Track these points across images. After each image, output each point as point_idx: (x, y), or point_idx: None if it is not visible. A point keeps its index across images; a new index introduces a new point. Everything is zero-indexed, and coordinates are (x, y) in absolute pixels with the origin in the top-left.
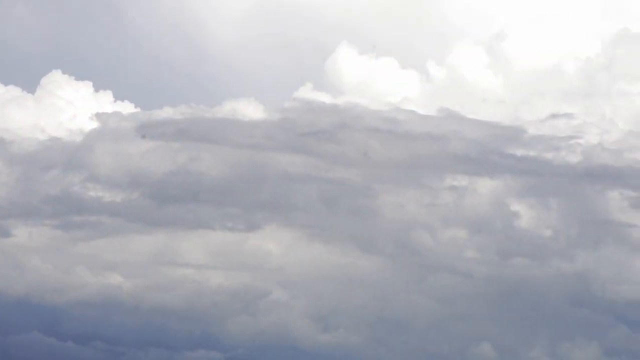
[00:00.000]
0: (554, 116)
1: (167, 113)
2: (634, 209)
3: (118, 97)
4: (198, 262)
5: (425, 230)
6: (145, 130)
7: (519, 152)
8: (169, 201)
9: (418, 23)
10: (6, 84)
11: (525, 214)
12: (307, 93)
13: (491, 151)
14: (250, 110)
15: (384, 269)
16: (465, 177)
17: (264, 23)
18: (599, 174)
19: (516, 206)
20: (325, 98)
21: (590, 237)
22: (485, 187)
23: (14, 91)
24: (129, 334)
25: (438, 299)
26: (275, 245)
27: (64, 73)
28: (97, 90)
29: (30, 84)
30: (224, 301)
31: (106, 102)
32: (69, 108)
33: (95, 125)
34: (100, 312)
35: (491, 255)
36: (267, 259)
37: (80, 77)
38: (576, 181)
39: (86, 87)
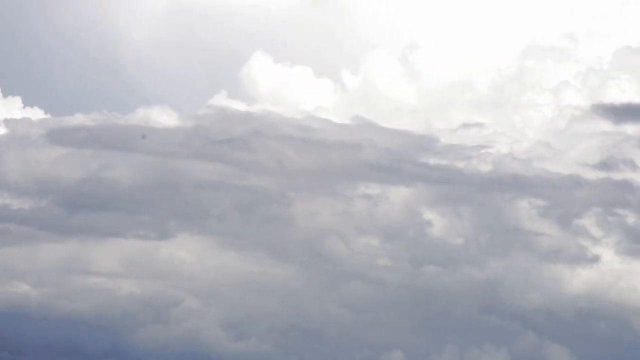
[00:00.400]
0: (466, 126)
1: (78, 120)
2: (543, 218)
3: (27, 103)
4: (109, 271)
5: (338, 238)
6: (56, 137)
7: (432, 161)
8: (80, 209)
9: (333, 32)
10: None
11: (437, 223)
12: (222, 101)
13: (404, 160)
14: (164, 118)
15: (297, 277)
16: (378, 185)
17: (178, 30)
18: (509, 183)
19: (428, 214)
20: (239, 106)
21: (500, 246)
22: (398, 195)
23: None
24: (37, 344)
25: (351, 307)
26: (187, 254)
27: None
28: (5, 95)
29: None
30: (136, 310)
31: (15, 108)
32: None
33: (3, 131)
34: (6, 322)
35: (403, 263)
36: (179, 268)
37: None
38: (487, 190)
39: None
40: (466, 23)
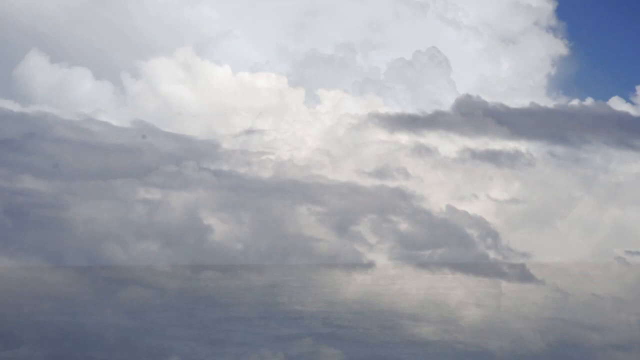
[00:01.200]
0: (248, 132)
1: None
2: (320, 224)
3: None
4: None
5: (116, 243)
6: None
7: (212, 166)
8: None
9: (114, 34)
10: None
11: (217, 228)
12: None
13: (185, 164)
14: None
15: (73, 282)
16: (158, 189)
17: None
18: (289, 189)
19: (209, 219)
20: (13, 106)
21: (279, 251)
22: (179, 199)
23: None
24: None
25: (129, 313)
26: None
27: None
28: None
29: None
30: None
31: None
32: None
33: None
34: None
35: (183, 269)
36: None
37: None
38: (267, 195)
39: None
40: (246, 28)
